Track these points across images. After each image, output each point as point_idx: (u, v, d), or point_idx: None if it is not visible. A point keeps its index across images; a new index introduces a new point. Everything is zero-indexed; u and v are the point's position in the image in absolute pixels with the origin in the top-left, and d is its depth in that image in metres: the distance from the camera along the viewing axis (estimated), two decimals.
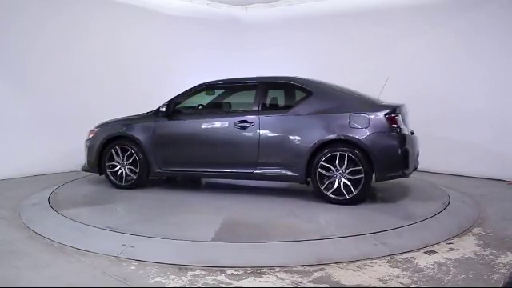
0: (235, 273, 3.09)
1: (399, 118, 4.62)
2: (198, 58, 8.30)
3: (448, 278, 3.02)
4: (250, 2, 8.58)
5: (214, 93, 5.65)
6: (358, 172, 4.53)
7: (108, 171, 5.51)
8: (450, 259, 3.34)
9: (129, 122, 5.54)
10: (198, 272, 3.11)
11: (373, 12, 7.45)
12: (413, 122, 5.13)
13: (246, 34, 8.71)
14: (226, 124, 5.08)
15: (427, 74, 6.88)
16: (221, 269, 3.14)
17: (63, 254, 3.46)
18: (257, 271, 3.12)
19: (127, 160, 5.41)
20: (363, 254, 3.38)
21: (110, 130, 5.56)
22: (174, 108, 5.35)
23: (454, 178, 6.49)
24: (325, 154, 4.63)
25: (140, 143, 5.33)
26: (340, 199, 4.61)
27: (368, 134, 4.53)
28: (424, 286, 2.89)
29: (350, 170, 4.55)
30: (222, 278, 3.02)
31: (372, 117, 4.57)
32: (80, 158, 6.45)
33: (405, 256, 3.40)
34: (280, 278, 3.00)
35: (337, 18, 7.80)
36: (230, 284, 2.93)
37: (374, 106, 4.73)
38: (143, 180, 5.45)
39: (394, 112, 4.60)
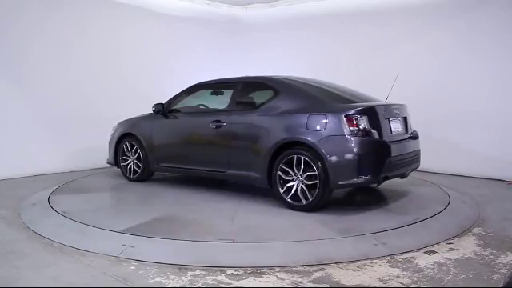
0: (235, 273, 3.09)
1: (361, 120, 4.22)
2: (197, 58, 8.31)
3: (448, 278, 3.02)
4: (249, 2, 8.58)
5: (222, 93, 5.64)
6: (315, 177, 4.26)
7: (121, 164, 5.99)
8: (450, 259, 3.34)
9: (136, 120, 5.92)
10: (197, 272, 3.11)
11: (373, 12, 7.44)
12: (413, 123, 5.13)
13: (246, 34, 8.72)
14: (204, 124, 5.12)
15: (427, 74, 6.87)
16: (221, 269, 3.14)
17: (63, 254, 3.46)
18: (257, 271, 3.11)
19: (134, 155, 5.83)
20: (363, 254, 3.38)
21: (123, 127, 6.01)
22: (168, 108, 5.58)
23: (454, 177, 6.48)
24: (283, 157, 4.43)
25: (141, 140, 5.70)
26: (297, 205, 4.36)
27: (323, 136, 4.22)
28: (424, 286, 2.89)
29: (306, 174, 4.30)
30: (221, 277, 3.02)
31: (330, 118, 4.24)
32: (80, 158, 6.83)
33: (405, 256, 3.40)
34: (280, 278, 3.00)
35: (337, 18, 7.80)
36: (230, 284, 2.93)
37: (336, 106, 4.38)
38: (145, 174, 5.84)
39: (357, 113, 4.22)
